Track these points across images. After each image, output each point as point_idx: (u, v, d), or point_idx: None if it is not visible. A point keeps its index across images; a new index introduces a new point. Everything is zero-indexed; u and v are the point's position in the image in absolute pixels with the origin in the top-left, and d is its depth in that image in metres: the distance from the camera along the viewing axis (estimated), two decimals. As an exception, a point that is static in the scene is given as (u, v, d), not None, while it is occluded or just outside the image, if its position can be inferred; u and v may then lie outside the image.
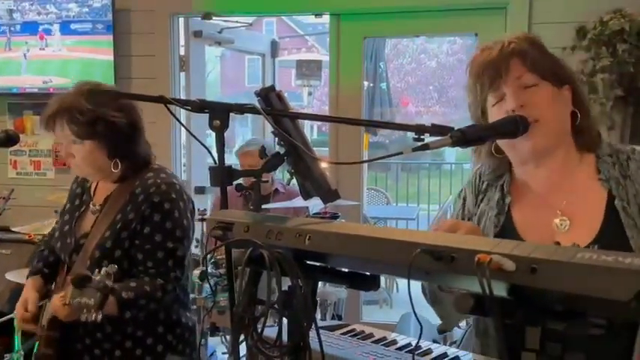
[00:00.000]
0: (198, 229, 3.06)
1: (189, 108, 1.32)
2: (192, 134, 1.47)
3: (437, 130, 1.15)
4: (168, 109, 1.37)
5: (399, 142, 13.15)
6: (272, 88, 1.31)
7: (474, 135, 1.15)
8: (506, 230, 1.41)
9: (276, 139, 1.32)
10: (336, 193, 1.28)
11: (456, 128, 1.17)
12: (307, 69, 8.23)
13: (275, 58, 5.44)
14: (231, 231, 1.13)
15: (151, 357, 1.93)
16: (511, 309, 0.80)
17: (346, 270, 1.10)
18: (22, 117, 4.45)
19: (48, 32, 4.25)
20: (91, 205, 1.99)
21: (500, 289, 0.79)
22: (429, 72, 17.18)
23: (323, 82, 8.47)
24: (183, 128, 4.26)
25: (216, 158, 1.31)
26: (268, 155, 1.35)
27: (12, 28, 4.30)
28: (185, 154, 4.45)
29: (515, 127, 1.23)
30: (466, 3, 3.84)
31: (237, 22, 4.55)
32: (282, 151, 1.34)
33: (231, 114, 1.32)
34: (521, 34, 1.41)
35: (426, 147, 1.11)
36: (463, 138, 1.14)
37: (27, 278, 2.06)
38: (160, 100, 1.34)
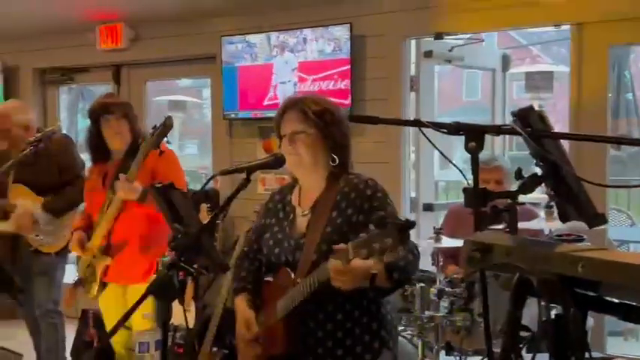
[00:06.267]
0: (431, 246, 3.08)
1: (445, 131, 1.34)
2: (444, 155, 1.49)
3: None
4: (422, 132, 1.42)
5: (639, 156, 11.74)
6: (531, 107, 1.28)
7: None
8: None
9: (535, 160, 1.28)
10: (602, 217, 1.21)
11: None
12: (538, 81, 7.82)
13: (506, 72, 5.28)
14: (491, 253, 1.13)
15: (370, 355, 1.99)
16: None
17: (617, 301, 1.03)
18: (269, 139, 4.93)
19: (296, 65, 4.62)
20: (299, 213, 2.12)
21: None
22: (681, 77, 15.16)
23: (554, 94, 7.96)
24: (411, 147, 4.39)
25: (469, 180, 1.32)
26: (524, 177, 1.32)
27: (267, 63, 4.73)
28: (414, 172, 4.51)
29: None
30: None
31: (469, 38, 4.50)
32: (539, 172, 1.30)
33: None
34: None
35: None
36: None
37: (236, 295, 2.21)
38: (416, 123, 1.39)
